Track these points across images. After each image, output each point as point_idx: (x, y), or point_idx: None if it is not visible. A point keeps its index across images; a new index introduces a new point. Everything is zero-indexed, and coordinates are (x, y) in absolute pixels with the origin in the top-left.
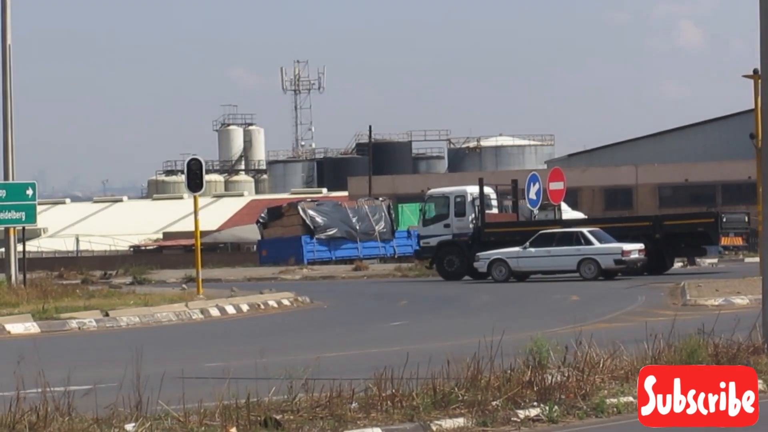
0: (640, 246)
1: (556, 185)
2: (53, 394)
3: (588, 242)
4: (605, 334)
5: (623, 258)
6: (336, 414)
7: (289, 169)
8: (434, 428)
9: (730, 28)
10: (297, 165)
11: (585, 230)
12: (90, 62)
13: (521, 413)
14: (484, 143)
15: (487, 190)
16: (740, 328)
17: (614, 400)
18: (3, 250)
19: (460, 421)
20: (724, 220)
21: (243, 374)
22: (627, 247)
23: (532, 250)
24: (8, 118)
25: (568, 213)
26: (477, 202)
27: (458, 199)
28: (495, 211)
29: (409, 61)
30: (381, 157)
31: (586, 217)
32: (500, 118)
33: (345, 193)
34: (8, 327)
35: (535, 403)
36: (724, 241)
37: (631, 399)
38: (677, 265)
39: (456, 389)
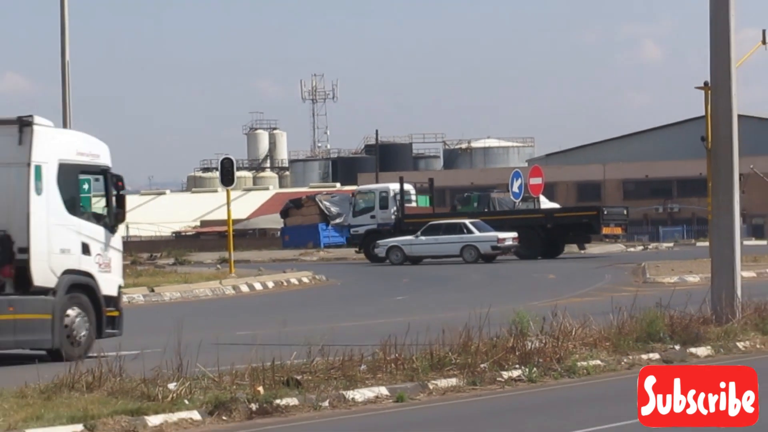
0: (514, 234)
1: (536, 180)
2: (107, 359)
3: (469, 231)
4: (577, 307)
5: (498, 244)
6: (348, 375)
7: (308, 166)
8: (431, 387)
9: (685, 46)
10: (314, 163)
11: (467, 221)
12: (138, 77)
13: (505, 374)
14: (474, 144)
15: (407, 186)
16: (692, 302)
17: (584, 363)
18: None
19: (453, 381)
20: (605, 213)
21: (269, 341)
22: (502, 235)
23: (423, 238)
24: (68, 126)
25: (545, 204)
26: (398, 197)
27: (383, 195)
28: (414, 204)
29: (410, 74)
30: (386, 156)
31: (559, 206)
32: (488, 123)
33: (356, 187)
34: None
35: (517, 366)
36: (606, 230)
37: (599, 362)
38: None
39: (450, 354)
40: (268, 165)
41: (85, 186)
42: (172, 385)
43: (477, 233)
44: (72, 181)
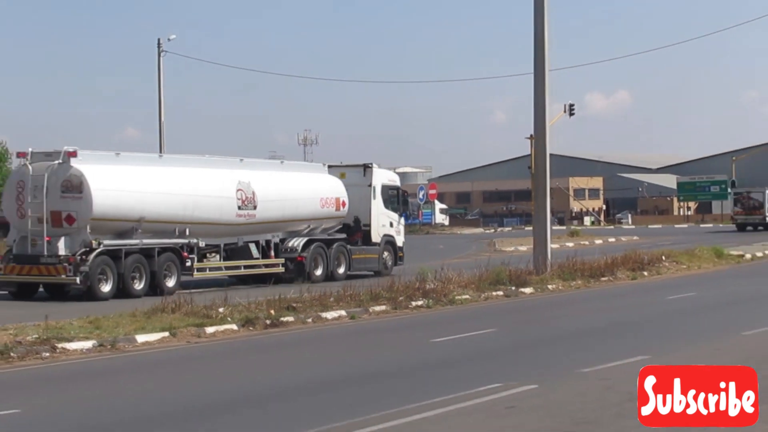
0: None
1: (433, 191)
2: (182, 295)
3: None
4: (456, 264)
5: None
6: (323, 303)
7: None
8: (371, 311)
9: (519, 113)
10: None
11: None
12: (195, 130)
13: (414, 303)
14: (397, 170)
15: None
16: (522, 262)
17: (460, 297)
18: None
19: (383, 307)
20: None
21: (280, 286)
22: None
23: None
24: None
25: (438, 206)
26: None
27: None
28: None
29: (360, 126)
30: None
31: (447, 207)
32: (405, 155)
33: None
34: None
35: (421, 299)
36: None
37: (468, 296)
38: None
39: (382, 291)
40: None
41: (390, 195)
42: (221, 309)
43: None
44: (386, 193)
